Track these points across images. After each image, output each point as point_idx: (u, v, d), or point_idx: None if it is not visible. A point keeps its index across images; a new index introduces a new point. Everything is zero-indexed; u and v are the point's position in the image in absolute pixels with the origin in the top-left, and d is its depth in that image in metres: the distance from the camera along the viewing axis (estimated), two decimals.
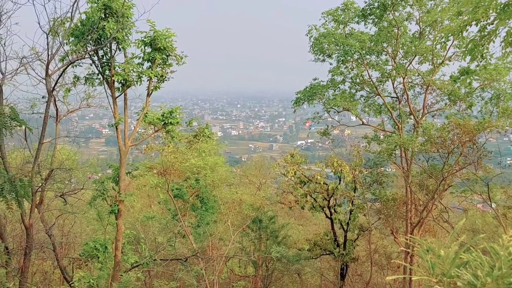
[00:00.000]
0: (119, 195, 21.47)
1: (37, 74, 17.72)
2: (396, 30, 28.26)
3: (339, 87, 31.03)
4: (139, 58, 20.49)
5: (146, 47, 20.22)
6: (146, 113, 21.69)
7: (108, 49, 19.78)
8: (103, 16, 18.62)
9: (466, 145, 23.67)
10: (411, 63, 28.91)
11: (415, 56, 28.56)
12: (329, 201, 29.95)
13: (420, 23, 28.83)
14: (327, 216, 30.66)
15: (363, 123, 31.88)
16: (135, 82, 20.53)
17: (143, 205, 40.18)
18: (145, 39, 20.00)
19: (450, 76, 28.06)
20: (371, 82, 30.28)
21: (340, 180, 29.91)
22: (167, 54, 20.46)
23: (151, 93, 21.41)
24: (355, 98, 31.04)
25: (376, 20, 28.70)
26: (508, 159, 29.87)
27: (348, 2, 29.65)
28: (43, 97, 18.65)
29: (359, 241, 32.28)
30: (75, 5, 17.89)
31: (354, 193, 29.93)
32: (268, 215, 31.68)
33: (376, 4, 28.15)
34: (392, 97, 31.04)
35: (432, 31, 28.70)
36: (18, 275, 18.13)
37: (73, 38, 18.77)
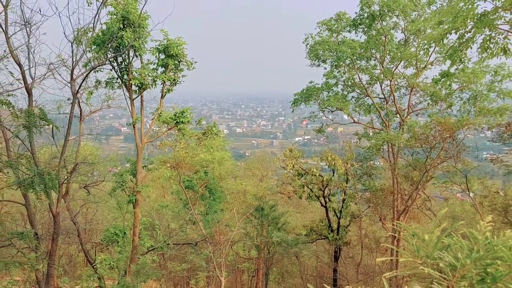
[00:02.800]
0: (136, 186, 21.52)
1: (63, 78, 17.75)
2: (384, 38, 28.19)
3: (332, 89, 30.98)
4: (154, 64, 20.57)
5: (160, 54, 20.30)
6: (160, 113, 21.74)
7: (126, 56, 19.83)
8: (122, 26, 18.65)
9: (447, 141, 23.64)
10: (397, 67, 28.85)
11: (400, 61, 28.50)
12: (324, 191, 29.96)
13: (405, 32, 28.77)
14: (322, 205, 30.66)
15: (354, 121, 31.82)
16: (151, 86, 20.62)
17: (157, 195, 40.27)
18: (159, 47, 20.07)
19: (432, 79, 28.04)
20: (361, 85, 30.23)
21: (333, 173, 29.91)
22: (179, 60, 20.51)
23: (164, 95, 21.47)
24: (347, 99, 31.00)
25: (365, 29, 28.67)
26: (484, 153, 29.89)
27: (340, 13, 29.61)
28: (68, 99, 18.70)
29: (351, 227, 32.29)
30: (96, 17, 17.90)
31: (346, 184, 29.92)
32: (269, 204, 31.68)
33: (365, 14, 28.14)
34: (380, 98, 30.99)
35: (416, 39, 28.62)
36: (46, 258, 18.18)
37: (95, 46, 18.81)
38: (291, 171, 29.74)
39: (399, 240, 24.11)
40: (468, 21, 13.27)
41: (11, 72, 16.13)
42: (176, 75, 20.97)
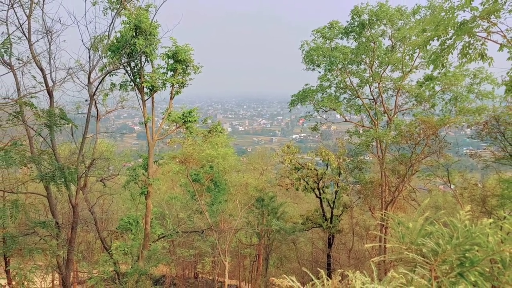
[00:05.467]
0: (148, 180, 21.56)
1: (81, 82, 17.74)
2: (373, 45, 28.20)
3: (326, 91, 31.00)
4: (163, 68, 20.61)
5: (169, 59, 20.35)
6: (170, 113, 21.77)
7: (139, 61, 19.87)
8: (134, 34, 18.68)
9: (430, 137, 23.64)
10: (385, 71, 28.85)
11: (388, 65, 28.51)
12: (318, 183, 29.95)
13: (392, 39, 28.77)
14: (317, 196, 30.65)
15: (346, 120, 31.84)
16: (161, 88, 20.67)
17: (167, 188, 40.27)
18: (168, 53, 20.12)
19: (416, 82, 28.04)
20: (352, 87, 30.24)
21: (327, 167, 29.89)
22: (187, 65, 20.57)
23: (173, 96, 21.50)
24: (339, 100, 31.00)
25: (356, 36, 28.68)
26: (464, 149, 29.89)
27: (333, 22, 29.62)
28: (86, 100, 18.69)
29: (343, 216, 32.29)
30: (111, 26, 17.91)
31: (339, 177, 29.91)
32: (269, 195, 31.68)
33: (356, 23, 28.17)
34: (369, 99, 30.99)
35: (402, 45, 28.62)
36: (66, 245, 18.20)
37: (110, 52, 18.84)
38: (289, 165, 29.73)
39: (386, 228, 24.12)
40: (449, 29, 13.30)
41: (34, 76, 16.14)
42: (184, 78, 21.02)
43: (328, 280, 5.26)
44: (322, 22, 31.91)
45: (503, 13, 12.61)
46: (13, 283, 21.01)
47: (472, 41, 13.38)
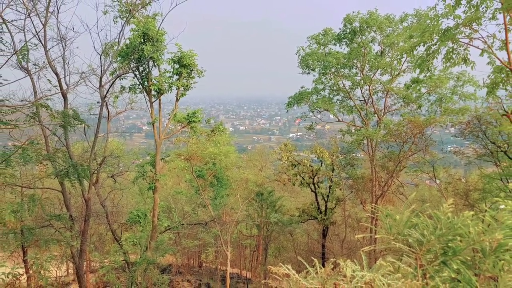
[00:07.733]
0: (155, 176, 21.58)
1: (93, 85, 17.78)
2: (363, 50, 28.20)
3: (320, 93, 31.00)
4: (169, 73, 20.61)
5: (175, 64, 20.35)
6: (175, 114, 21.78)
7: (146, 66, 19.89)
8: (142, 41, 18.70)
9: (417, 136, 23.65)
10: (375, 74, 28.86)
11: (378, 69, 28.50)
12: (313, 179, 29.96)
13: (382, 44, 28.76)
14: (312, 190, 30.67)
15: (339, 120, 31.82)
16: (167, 91, 20.69)
17: (173, 183, 40.28)
18: (174, 58, 20.12)
19: (404, 84, 28.03)
20: (345, 89, 30.24)
21: (322, 163, 29.91)
22: (191, 69, 20.57)
23: (179, 98, 21.51)
24: (333, 101, 30.99)
25: (348, 42, 28.70)
26: (449, 146, 29.87)
27: (327, 29, 29.62)
28: (97, 102, 18.71)
29: (336, 209, 32.31)
30: (121, 33, 17.93)
31: (332, 173, 29.93)
32: (268, 190, 31.71)
33: (348, 30, 28.20)
34: (360, 100, 30.98)
35: (391, 50, 28.63)
36: (80, 236, 18.23)
37: (120, 58, 18.87)
38: (286, 162, 29.75)
39: (376, 220, 24.15)
40: (434, 35, 13.33)
41: (49, 80, 16.17)
42: (188, 81, 21.02)
43: (321, 268, 5.29)
44: (321, 29, 31.87)
45: (484, 21, 12.66)
46: (31, 271, 21.06)
47: (455, 47, 13.42)
